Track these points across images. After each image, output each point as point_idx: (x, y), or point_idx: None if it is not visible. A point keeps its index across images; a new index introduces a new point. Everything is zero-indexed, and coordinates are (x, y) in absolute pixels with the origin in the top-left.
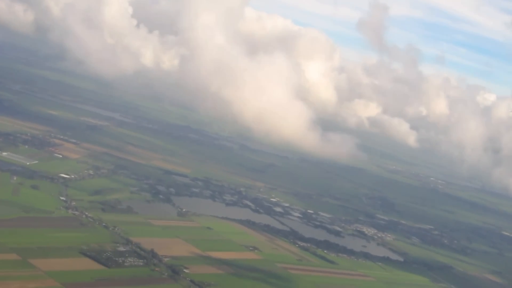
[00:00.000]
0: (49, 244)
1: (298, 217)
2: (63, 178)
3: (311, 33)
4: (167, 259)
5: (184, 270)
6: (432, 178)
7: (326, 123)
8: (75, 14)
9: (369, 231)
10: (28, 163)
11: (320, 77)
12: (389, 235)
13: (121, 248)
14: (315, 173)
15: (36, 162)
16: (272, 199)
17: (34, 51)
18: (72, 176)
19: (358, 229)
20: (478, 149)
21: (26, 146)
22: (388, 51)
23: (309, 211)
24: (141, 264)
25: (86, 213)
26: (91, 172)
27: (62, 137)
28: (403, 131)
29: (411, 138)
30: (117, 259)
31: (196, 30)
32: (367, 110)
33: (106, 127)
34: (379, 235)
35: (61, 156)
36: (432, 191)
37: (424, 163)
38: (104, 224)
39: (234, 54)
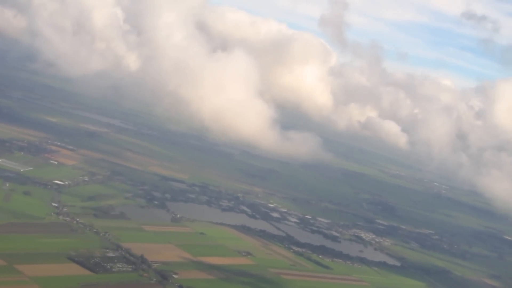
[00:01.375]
0: (37, 250)
1: (295, 222)
2: (57, 184)
3: (305, 37)
4: (157, 264)
5: (174, 275)
6: (435, 183)
7: (320, 127)
8: (45, 16)
9: (367, 236)
10: (22, 170)
11: (314, 81)
12: (388, 240)
13: (111, 254)
14: (315, 179)
15: (31, 168)
16: (269, 205)
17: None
18: (66, 183)
19: (356, 234)
20: (446, 147)
21: (22, 153)
22: (350, 48)
23: (306, 216)
24: (130, 269)
25: (78, 219)
26: (86, 178)
27: (59, 143)
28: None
29: (401, 140)
30: (105, 264)
31: (157, 29)
32: (360, 113)
33: (105, 134)
34: (377, 240)
35: (56, 162)
36: (435, 196)
37: (391, 163)
38: (95, 229)
39: (193, 53)
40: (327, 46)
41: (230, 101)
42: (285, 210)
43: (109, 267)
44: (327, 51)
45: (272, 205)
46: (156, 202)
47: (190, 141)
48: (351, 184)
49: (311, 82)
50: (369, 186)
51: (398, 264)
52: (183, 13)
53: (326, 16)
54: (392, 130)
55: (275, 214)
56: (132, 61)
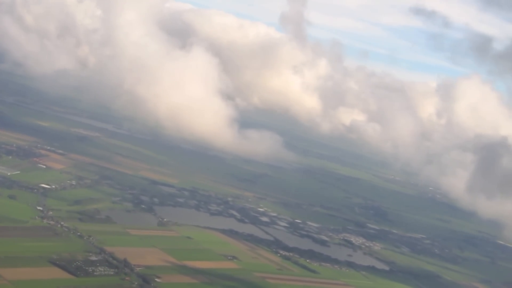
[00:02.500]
0: (19, 253)
1: (284, 226)
2: (44, 188)
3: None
4: (140, 268)
5: (156, 279)
6: (431, 188)
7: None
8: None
9: (357, 240)
10: (9, 174)
11: (302, 84)
12: (378, 244)
13: (93, 258)
14: (308, 183)
15: (18, 172)
16: (259, 209)
17: None
18: (53, 186)
19: (346, 238)
20: (410, 146)
21: (10, 157)
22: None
23: (296, 220)
24: (112, 273)
25: (62, 223)
26: (73, 182)
27: (48, 147)
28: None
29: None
30: (87, 268)
31: (117, 28)
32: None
33: (96, 138)
34: (367, 244)
35: (44, 166)
36: (429, 200)
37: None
38: (79, 233)
39: (152, 51)
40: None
41: (187, 99)
42: (275, 215)
43: (90, 270)
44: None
45: (262, 209)
46: (143, 206)
47: (183, 145)
48: (343, 188)
49: (299, 86)
50: (362, 190)
51: (387, 268)
52: (143, 12)
53: (286, 13)
54: (372, 131)
55: (264, 219)
56: (93, 60)
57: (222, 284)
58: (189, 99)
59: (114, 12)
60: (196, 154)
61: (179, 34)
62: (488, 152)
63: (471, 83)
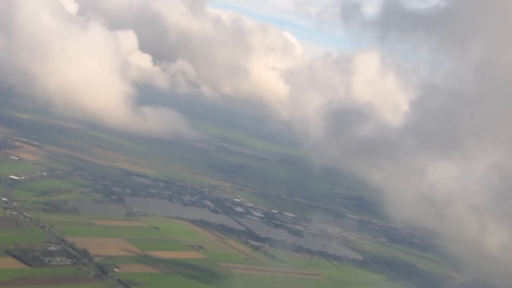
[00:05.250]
0: None
1: (259, 217)
2: (12, 179)
3: (265, 28)
4: (99, 258)
5: (114, 269)
6: None
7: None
8: None
9: (334, 230)
10: None
11: (275, 72)
12: (355, 234)
13: (52, 248)
14: (292, 174)
15: None
16: (235, 199)
17: None
18: (22, 178)
19: (322, 228)
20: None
21: None
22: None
23: (273, 211)
24: (69, 263)
25: (25, 214)
26: (44, 173)
27: (24, 139)
28: None
29: None
30: (43, 258)
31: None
32: None
33: (76, 130)
34: (343, 234)
35: (17, 158)
36: None
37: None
38: (41, 224)
39: (47, 29)
40: (289, 37)
41: (81, 76)
42: (251, 205)
43: (47, 261)
44: (289, 43)
45: (238, 200)
46: (113, 197)
47: (166, 137)
48: (328, 180)
49: (271, 74)
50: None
51: (360, 258)
52: None
53: None
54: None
55: (239, 209)
56: None
57: (184, 273)
58: (83, 76)
59: None
60: (183, 146)
61: (148, 23)
62: (338, 118)
63: (368, 56)
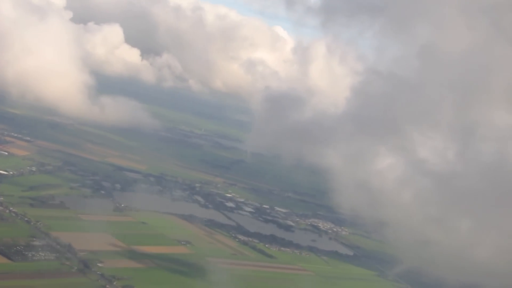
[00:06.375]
0: None
1: (249, 212)
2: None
3: (253, 23)
4: (84, 253)
5: (98, 264)
6: None
7: None
8: None
9: (325, 225)
10: None
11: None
12: (346, 230)
13: (36, 243)
14: (287, 170)
15: None
16: (227, 195)
17: None
18: (11, 173)
19: (314, 223)
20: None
21: None
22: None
23: (264, 206)
24: (52, 258)
25: (11, 208)
26: (33, 168)
27: (15, 135)
28: None
29: None
30: (26, 253)
31: None
32: None
33: (69, 126)
34: (335, 229)
35: (6, 153)
36: None
37: None
38: (26, 219)
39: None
40: (278, 32)
41: (38, 66)
42: (242, 200)
43: (30, 255)
44: (278, 37)
45: (229, 195)
46: (102, 192)
47: (161, 133)
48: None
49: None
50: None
51: (350, 253)
52: None
53: None
54: None
55: (230, 204)
56: None
57: (169, 268)
58: (40, 66)
59: None
60: (178, 142)
61: (137, 17)
62: (272, 103)
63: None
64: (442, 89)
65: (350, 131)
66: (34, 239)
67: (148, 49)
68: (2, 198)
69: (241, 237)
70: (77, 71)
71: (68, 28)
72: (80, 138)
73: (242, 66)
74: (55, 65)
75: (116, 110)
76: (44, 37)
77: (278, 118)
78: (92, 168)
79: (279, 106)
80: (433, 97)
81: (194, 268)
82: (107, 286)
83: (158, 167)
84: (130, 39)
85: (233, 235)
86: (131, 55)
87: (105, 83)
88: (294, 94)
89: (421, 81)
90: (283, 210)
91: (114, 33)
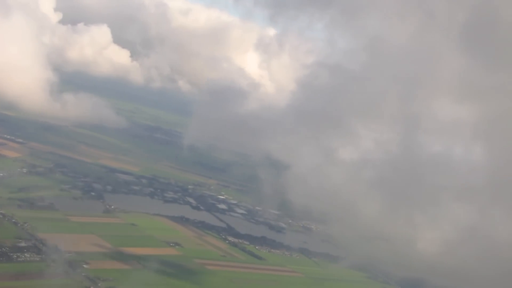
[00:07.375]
0: None
1: (241, 214)
2: None
3: (245, 24)
4: (70, 254)
5: (84, 265)
6: None
7: None
8: None
9: (318, 227)
10: None
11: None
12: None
13: (22, 244)
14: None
15: None
16: (220, 197)
17: None
18: (1, 174)
19: (306, 225)
20: None
21: None
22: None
23: (257, 208)
24: (37, 259)
25: None
26: (24, 170)
27: (8, 137)
28: None
29: None
30: (11, 254)
31: None
32: None
33: (64, 128)
34: (328, 231)
35: None
36: None
37: None
38: (14, 220)
39: None
40: (269, 33)
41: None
42: (234, 202)
43: (14, 256)
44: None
45: (222, 197)
46: (93, 194)
47: (156, 135)
48: None
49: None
50: None
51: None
52: None
53: None
54: None
55: (222, 206)
56: None
57: (156, 269)
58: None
59: None
60: (173, 144)
61: (127, 20)
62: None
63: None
64: (387, 81)
65: (293, 124)
66: (20, 240)
67: (138, 50)
68: None
69: (231, 238)
70: (40, 68)
71: (33, 24)
72: (73, 139)
73: (207, 63)
74: (17, 61)
75: (96, 110)
76: (7, 34)
77: (218, 111)
78: (84, 170)
79: (220, 99)
80: (378, 90)
81: (182, 269)
82: (91, 287)
83: (151, 169)
84: (120, 40)
85: (223, 236)
86: (121, 56)
87: (92, 83)
88: (236, 87)
89: (367, 73)
90: (276, 212)
91: (101, 33)
